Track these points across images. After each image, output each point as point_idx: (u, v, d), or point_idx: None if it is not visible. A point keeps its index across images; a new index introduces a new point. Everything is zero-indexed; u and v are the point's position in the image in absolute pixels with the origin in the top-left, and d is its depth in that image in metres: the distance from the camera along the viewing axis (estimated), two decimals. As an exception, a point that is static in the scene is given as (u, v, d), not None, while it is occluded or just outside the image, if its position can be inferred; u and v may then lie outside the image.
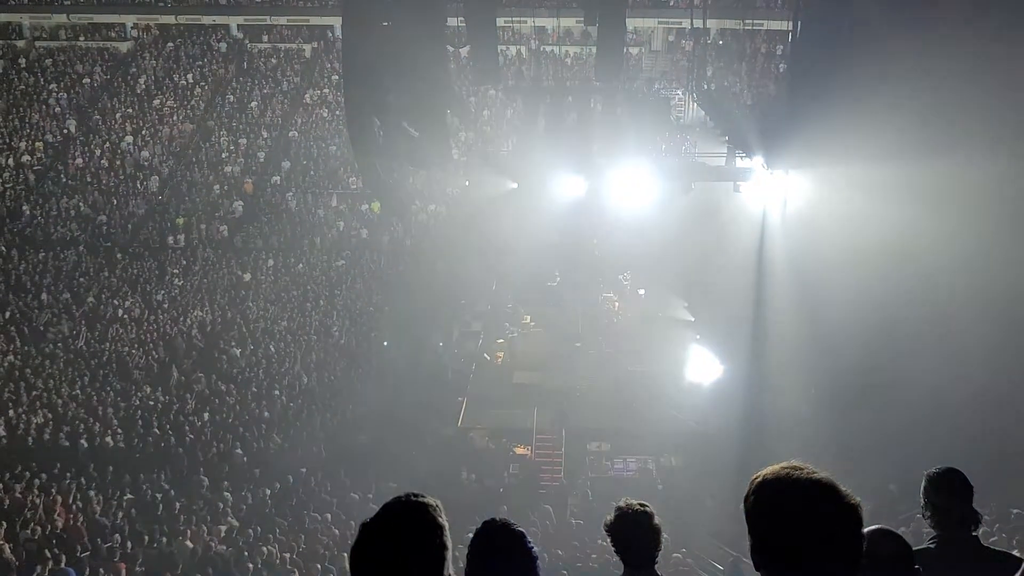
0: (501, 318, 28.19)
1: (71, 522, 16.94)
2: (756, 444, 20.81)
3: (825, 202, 18.54)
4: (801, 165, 19.59)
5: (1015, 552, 3.93)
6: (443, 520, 2.05)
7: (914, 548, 2.99)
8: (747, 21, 36.54)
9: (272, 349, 25.34)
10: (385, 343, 25.97)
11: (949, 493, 3.66)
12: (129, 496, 18.49)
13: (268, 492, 19.01)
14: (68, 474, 19.21)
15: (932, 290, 17.07)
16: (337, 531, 17.16)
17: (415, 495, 2.10)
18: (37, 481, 18.49)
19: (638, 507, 3.72)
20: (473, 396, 24.17)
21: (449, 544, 2.03)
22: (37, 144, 35.35)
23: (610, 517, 3.76)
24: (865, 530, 2.94)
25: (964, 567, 3.50)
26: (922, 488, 3.73)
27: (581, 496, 19.98)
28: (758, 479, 1.93)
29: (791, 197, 19.89)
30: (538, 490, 20.78)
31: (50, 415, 22.11)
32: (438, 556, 1.99)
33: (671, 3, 38.41)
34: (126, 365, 24.68)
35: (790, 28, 22.61)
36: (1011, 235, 16.73)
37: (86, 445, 20.98)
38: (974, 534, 3.64)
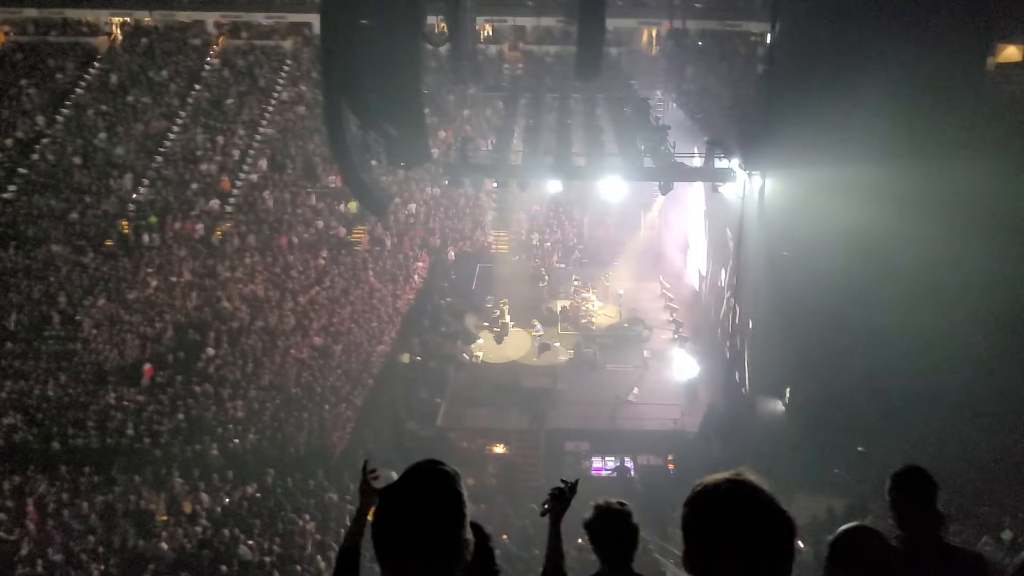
0: (480, 317, 28.21)
1: (44, 525, 16.74)
2: (733, 443, 21.01)
3: (802, 203, 18.72)
4: (779, 166, 19.76)
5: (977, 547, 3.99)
6: (462, 489, 2.07)
7: None
8: (727, 22, 36.84)
9: (248, 348, 25.15)
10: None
11: (912, 493, 3.68)
12: (103, 498, 18.31)
13: (245, 492, 18.90)
14: (40, 476, 18.98)
15: (910, 292, 17.30)
16: (316, 532, 17.10)
17: (437, 463, 2.11)
18: (8, 484, 18.25)
19: (617, 505, 3.75)
20: (451, 396, 24.14)
21: (468, 513, 2.06)
22: (7, 140, 34.85)
23: (589, 515, 3.80)
24: (843, 527, 3.00)
25: (928, 567, 3.53)
26: (887, 487, 3.76)
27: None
28: (698, 489, 1.92)
29: (769, 198, 20.04)
30: (523, 490, 20.78)
31: (21, 416, 21.82)
32: (459, 523, 2.03)
33: (651, 3, 38.56)
34: (100, 365, 24.40)
35: (769, 30, 22.80)
36: (981, 235, 17.03)
37: (59, 446, 20.74)
38: (938, 533, 3.67)
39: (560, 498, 3.88)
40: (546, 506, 3.90)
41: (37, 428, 21.35)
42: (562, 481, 3.93)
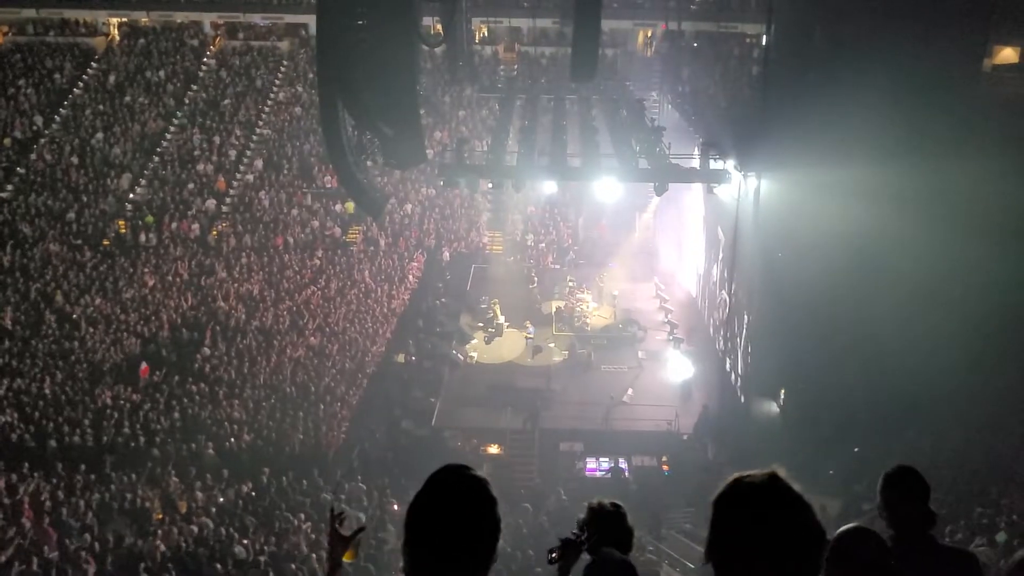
0: (475, 318, 28.24)
1: (39, 523, 16.71)
2: (727, 444, 21.07)
3: (798, 205, 18.77)
4: (774, 167, 19.80)
5: (970, 548, 4.02)
6: (495, 495, 2.07)
7: None
8: (722, 24, 36.95)
9: (244, 348, 25.15)
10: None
11: (904, 492, 3.70)
12: (98, 496, 18.28)
13: (240, 491, 18.88)
14: (36, 474, 18.95)
15: (904, 293, 17.37)
16: (311, 531, 17.09)
17: (467, 468, 2.09)
18: (3, 481, 18.21)
19: (610, 507, 3.76)
20: (446, 396, 24.16)
21: (501, 519, 2.06)
22: (4, 140, 34.81)
23: (583, 515, 3.80)
24: (843, 528, 3.03)
25: (920, 566, 3.55)
26: (879, 487, 3.78)
27: (554, 496, 20.07)
28: (733, 481, 1.94)
29: (764, 199, 20.09)
30: (517, 490, 20.80)
31: (17, 414, 21.79)
32: (496, 531, 2.04)
33: (647, 5, 38.64)
34: (96, 364, 24.38)
35: (764, 32, 22.87)
36: (976, 237, 17.09)
37: (55, 444, 20.72)
38: (931, 533, 3.70)
39: (572, 547, 3.65)
40: (554, 555, 3.60)
41: (33, 426, 21.32)
42: (573, 533, 3.69)
